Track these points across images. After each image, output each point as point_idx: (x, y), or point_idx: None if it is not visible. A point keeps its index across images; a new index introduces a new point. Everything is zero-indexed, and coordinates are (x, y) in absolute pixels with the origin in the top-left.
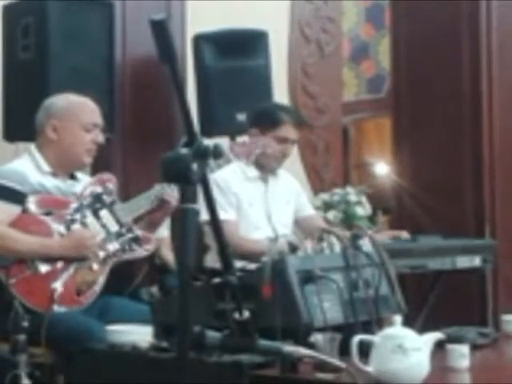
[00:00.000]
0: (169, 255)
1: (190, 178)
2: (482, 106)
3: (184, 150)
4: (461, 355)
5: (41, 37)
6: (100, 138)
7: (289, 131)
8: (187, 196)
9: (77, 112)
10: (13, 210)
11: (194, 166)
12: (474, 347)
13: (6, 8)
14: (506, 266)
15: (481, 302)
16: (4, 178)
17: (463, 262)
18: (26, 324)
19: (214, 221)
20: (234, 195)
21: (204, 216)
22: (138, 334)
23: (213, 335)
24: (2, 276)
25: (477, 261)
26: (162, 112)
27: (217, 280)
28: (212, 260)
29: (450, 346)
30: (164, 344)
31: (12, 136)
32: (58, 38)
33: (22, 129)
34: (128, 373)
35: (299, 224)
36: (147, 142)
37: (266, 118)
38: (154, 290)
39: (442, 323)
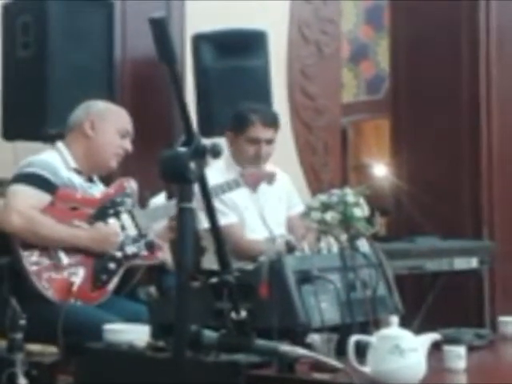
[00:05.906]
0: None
1: (187, 176)
2: (481, 107)
3: (182, 149)
4: (457, 356)
5: (40, 35)
6: (129, 146)
7: (258, 131)
8: (184, 195)
9: (115, 116)
10: (44, 198)
11: (192, 165)
12: (471, 348)
13: (6, 6)
14: (503, 268)
15: (478, 303)
16: (38, 167)
17: (461, 263)
18: (23, 322)
19: (212, 218)
20: (230, 200)
21: (205, 224)
22: (135, 333)
23: (210, 335)
24: (23, 262)
25: (474, 262)
26: (161, 111)
27: (214, 279)
28: (209, 262)
29: (447, 347)
30: (161, 343)
31: (10, 135)
32: (57, 36)
33: (21, 127)
34: (125, 372)
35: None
36: (146, 141)
37: (237, 121)
38: (152, 289)
39: (439, 324)
